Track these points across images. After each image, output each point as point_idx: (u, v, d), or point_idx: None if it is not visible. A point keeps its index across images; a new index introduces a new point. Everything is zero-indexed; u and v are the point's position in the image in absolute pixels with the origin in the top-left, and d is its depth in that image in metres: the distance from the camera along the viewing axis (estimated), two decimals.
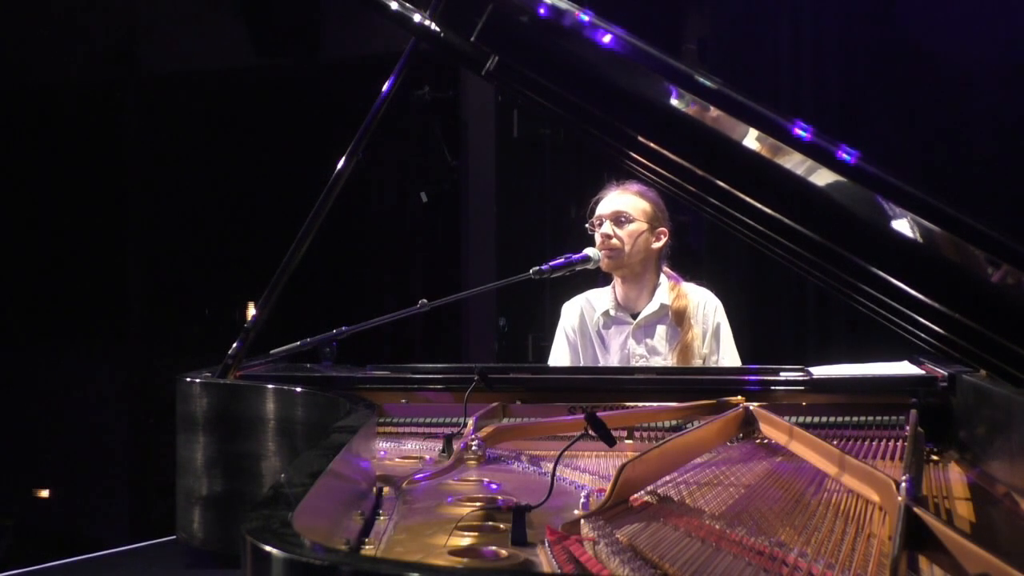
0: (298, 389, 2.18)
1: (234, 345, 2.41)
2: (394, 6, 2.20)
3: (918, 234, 1.49)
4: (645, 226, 3.04)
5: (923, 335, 1.88)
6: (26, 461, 6.15)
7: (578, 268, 3.02)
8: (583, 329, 3.13)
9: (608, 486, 1.55)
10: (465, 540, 1.42)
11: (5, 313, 6.35)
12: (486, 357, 5.16)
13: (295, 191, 3.84)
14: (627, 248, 3.03)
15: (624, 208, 3.04)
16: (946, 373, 2.21)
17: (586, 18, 1.73)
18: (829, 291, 2.56)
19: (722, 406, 2.23)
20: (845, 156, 1.56)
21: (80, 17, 6.09)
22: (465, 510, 1.57)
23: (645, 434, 2.25)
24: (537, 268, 2.94)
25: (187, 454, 2.32)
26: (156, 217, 6.40)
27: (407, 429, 2.34)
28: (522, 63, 1.92)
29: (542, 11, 1.76)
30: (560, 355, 3.15)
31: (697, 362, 3.01)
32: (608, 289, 3.15)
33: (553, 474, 1.67)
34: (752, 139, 1.64)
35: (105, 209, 6.35)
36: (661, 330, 3.06)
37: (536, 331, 5.08)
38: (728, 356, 3.05)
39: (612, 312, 3.10)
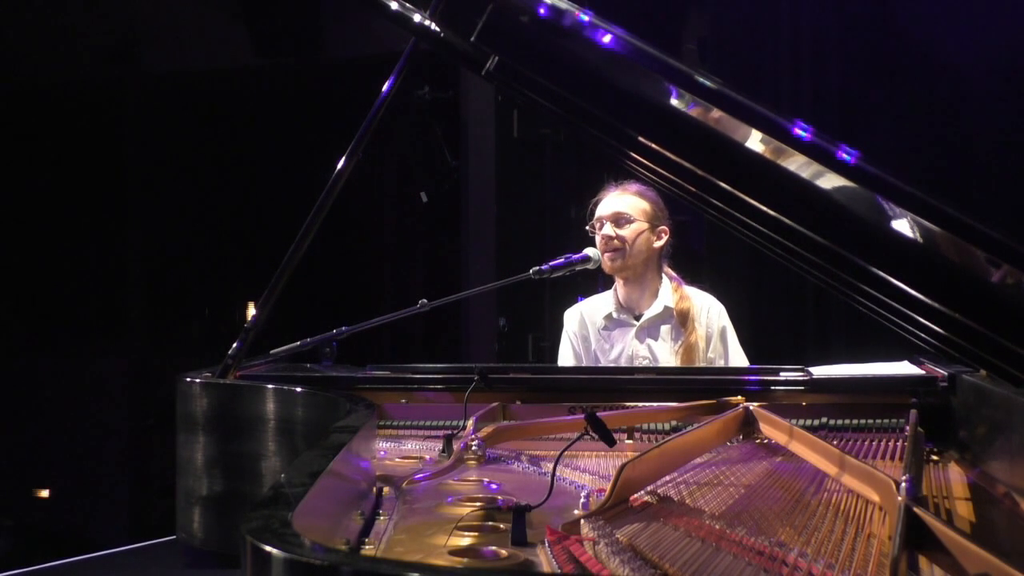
0: (298, 389, 2.17)
1: (234, 345, 2.41)
2: (394, 6, 2.19)
3: (918, 234, 1.49)
4: (646, 226, 3.04)
5: (923, 335, 1.88)
6: (26, 461, 6.15)
7: (578, 268, 3.03)
8: (584, 334, 3.13)
9: (608, 486, 1.55)
10: (465, 540, 1.42)
11: (5, 313, 6.35)
12: (486, 357, 5.16)
13: (295, 191, 3.84)
14: (629, 249, 3.02)
15: (623, 209, 3.04)
16: (946, 373, 2.20)
17: (586, 18, 1.73)
18: (829, 291, 2.56)
19: (722, 406, 2.23)
20: (845, 156, 1.56)
21: (80, 17, 6.10)
22: (465, 510, 1.57)
23: (645, 435, 2.25)
24: (537, 268, 2.94)
25: (187, 454, 2.32)
26: (156, 217, 6.40)
27: (407, 430, 2.34)
28: (522, 63, 1.92)
29: (542, 11, 1.75)
30: (566, 359, 3.17)
31: (701, 363, 3.00)
32: (609, 293, 3.15)
33: (553, 474, 1.67)
34: (752, 139, 1.63)
35: (105, 209, 6.36)
36: (665, 331, 3.06)
37: (536, 331, 5.08)
38: (736, 359, 3.05)
39: (615, 315, 3.10)
